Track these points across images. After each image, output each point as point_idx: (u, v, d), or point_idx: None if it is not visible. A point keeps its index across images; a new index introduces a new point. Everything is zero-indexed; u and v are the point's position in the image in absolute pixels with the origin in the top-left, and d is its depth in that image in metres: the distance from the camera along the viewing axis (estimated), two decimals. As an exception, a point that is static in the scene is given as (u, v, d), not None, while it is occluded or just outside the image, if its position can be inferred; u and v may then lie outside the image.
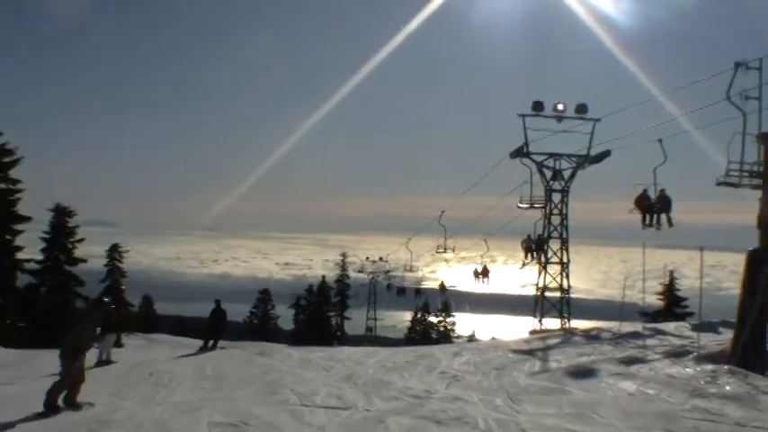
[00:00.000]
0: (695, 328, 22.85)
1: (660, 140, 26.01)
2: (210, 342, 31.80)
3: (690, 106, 26.43)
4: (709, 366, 16.93)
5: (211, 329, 32.25)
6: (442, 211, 49.42)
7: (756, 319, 18.28)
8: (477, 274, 51.38)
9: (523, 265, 40.96)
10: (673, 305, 57.03)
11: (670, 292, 57.70)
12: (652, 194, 26.97)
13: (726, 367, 16.57)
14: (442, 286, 65.72)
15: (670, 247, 68.73)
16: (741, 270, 19.06)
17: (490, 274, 51.00)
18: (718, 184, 20.28)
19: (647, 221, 27.26)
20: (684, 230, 30.14)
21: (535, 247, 40.06)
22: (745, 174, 19.91)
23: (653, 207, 26.96)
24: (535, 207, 40.36)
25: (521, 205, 40.26)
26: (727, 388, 14.79)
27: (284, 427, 13.21)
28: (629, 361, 19.16)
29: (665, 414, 13.14)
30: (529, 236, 40.27)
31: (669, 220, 27.10)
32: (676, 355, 19.30)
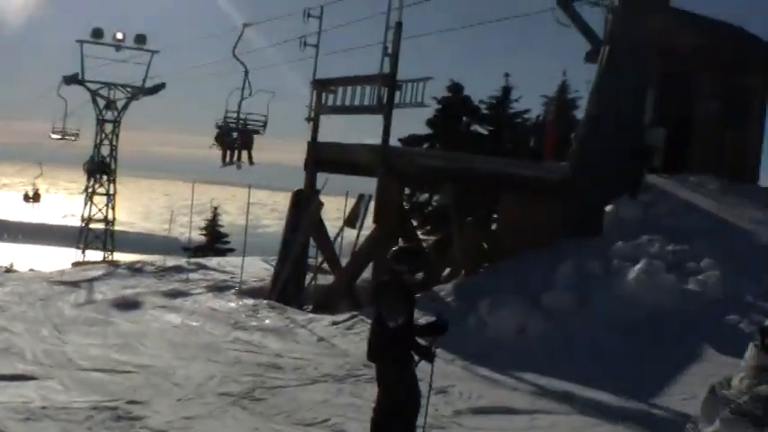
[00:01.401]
0: (235, 263, 23.89)
1: (246, 72, 25.03)
2: None
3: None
4: (251, 301, 17.95)
5: None
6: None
7: (298, 256, 19.67)
8: (27, 197, 48.53)
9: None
10: (215, 240, 58.62)
11: (213, 227, 59.26)
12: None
13: (266, 302, 17.70)
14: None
15: (214, 182, 70.53)
16: (282, 208, 20.27)
17: (41, 199, 48.50)
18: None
19: (228, 159, 25.62)
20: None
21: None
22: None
23: (234, 143, 25.45)
24: (67, 138, 39.14)
25: (53, 135, 38.76)
26: (267, 321, 15.83)
27: None
28: (174, 294, 19.59)
29: (208, 345, 13.72)
30: (92, 157, 39.05)
31: (250, 157, 25.60)
32: (219, 289, 20.14)
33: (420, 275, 7.96)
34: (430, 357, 7.48)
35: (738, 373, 4.10)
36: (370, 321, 8.44)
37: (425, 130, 32.64)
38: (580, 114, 19.40)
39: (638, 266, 13.71)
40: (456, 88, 33.04)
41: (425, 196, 31.46)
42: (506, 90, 33.65)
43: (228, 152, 25.42)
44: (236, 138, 25.27)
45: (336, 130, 21.37)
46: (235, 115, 24.97)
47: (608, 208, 16.79)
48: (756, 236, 16.35)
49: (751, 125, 22.15)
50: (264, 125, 25.25)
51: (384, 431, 7.31)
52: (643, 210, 16.85)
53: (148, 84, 38.39)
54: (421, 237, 24.34)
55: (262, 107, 27.86)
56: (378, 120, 17.62)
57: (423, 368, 7.01)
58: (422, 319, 8.06)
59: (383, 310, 7.52)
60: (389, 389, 7.38)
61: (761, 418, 3.82)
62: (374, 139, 17.88)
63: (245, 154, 25.45)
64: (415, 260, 7.64)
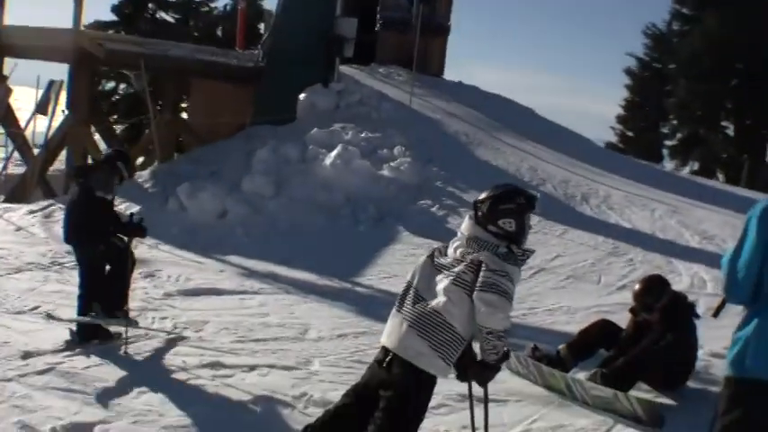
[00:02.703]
0: None
1: None
2: None
3: None
4: None
5: None
6: None
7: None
8: None
9: None
10: None
11: None
12: None
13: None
14: None
15: None
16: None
17: None
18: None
19: None
20: None
21: None
22: None
23: None
24: None
25: None
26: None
27: None
28: None
29: None
30: None
31: None
32: None
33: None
34: (141, 232, 7.54)
35: (453, 243, 4.39)
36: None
37: (111, 17, 31.07)
38: (270, 3, 19.22)
39: (333, 152, 14.06)
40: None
41: (112, 84, 30.30)
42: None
43: None
44: None
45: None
46: None
47: (301, 96, 16.97)
48: (443, 125, 17.43)
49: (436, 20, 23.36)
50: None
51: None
52: (336, 98, 17.24)
53: None
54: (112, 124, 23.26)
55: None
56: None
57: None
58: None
59: (95, 183, 7.24)
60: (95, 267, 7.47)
61: (471, 281, 4.15)
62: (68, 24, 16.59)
63: None
64: (128, 166, 7.79)
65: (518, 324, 8.75)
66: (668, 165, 29.81)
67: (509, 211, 4.30)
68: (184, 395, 6.25)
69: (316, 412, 5.68)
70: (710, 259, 10.95)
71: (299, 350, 7.62)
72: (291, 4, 17.47)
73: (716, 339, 7.14)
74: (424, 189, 14.04)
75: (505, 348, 4.28)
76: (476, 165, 15.52)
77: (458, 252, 4.29)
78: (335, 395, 6.17)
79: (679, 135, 33.12)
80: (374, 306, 9.16)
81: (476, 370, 4.40)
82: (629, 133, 34.30)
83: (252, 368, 7.05)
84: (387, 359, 4.27)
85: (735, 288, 3.85)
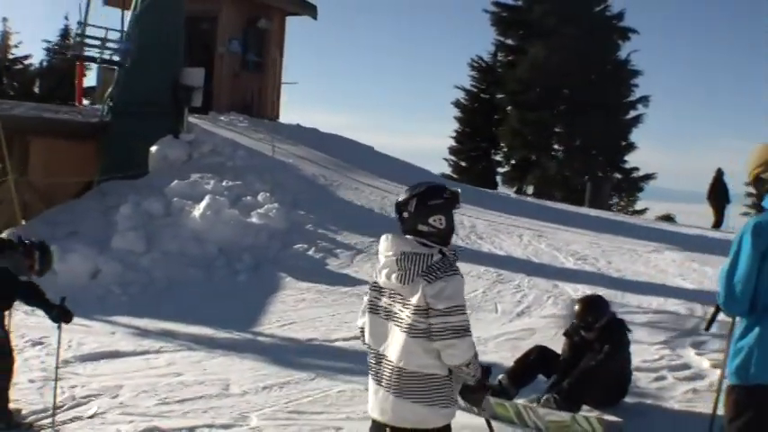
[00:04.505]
0: None
1: None
2: None
3: None
4: None
5: None
6: None
7: None
8: None
9: None
10: None
11: None
12: None
13: None
14: None
15: None
16: None
17: None
18: None
19: None
20: None
21: None
22: None
23: None
24: None
25: None
26: None
27: None
28: None
29: None
30: None
31: None
32: None
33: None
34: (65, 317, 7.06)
35: (381, 270, 4.18)
36: None
37: None
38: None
39: (202, 203, 13.76)
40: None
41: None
42: (4, 35, 31.21)
43: None
44: None
45: None
46: None
47: (152, 148, 16.55)
48: (299, 168, 17.45)
49: (269, 66, 23.46)
50: None
51: None
52: (188, 148, 16.92)
53: None
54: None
55: None
56: None
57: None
58: None
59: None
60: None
61: (426, 326, 3.99)
62: None
63: None
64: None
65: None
66: (504, 191, 30.99)
67: (438, 207, 4.07)
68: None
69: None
70: (591, 278, 11.53)
71: (230, 406, 7.40)
72: (139, 55, 17.09)
73: (635, 354, 7.56)
74: (296, 233, 13.97)
75: (482, 366, 4.17)
76: (341, 206, 15.63)
77: (392, 277, 4.03)
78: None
79: (512, 161, 34.58)
80: (285, 355, 9.11)
81: (465, 396, 4.33)
82: (463, 163, 35.44)
83: (191, 430, 6.81)
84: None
85: (733, 302, 4.10)
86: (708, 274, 11.66)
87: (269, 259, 13.07)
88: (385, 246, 4.15)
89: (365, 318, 4.30)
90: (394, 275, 4.05)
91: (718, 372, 7.78)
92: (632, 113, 33.28)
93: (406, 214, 4.13)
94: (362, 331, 4.35)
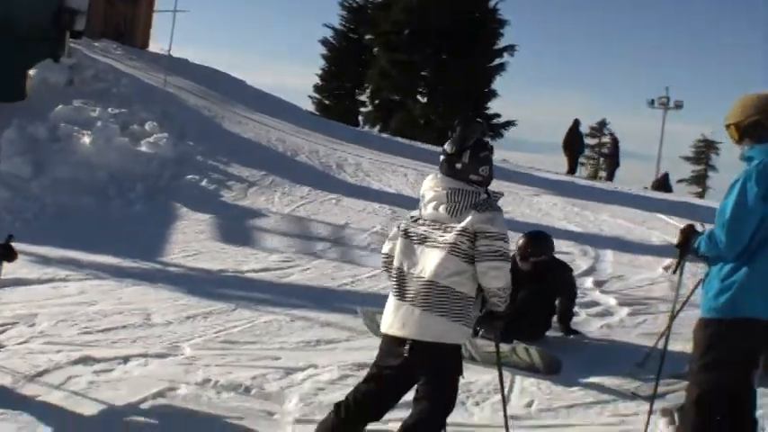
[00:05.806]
0: None
1: None
2: None
3: None
4: None
5: None
6: None
7: None
8: None
9: None
10: None
11: None
12: None
13: None
14: None
15: None
16: None
17: None
18: None
19: None
20: None
21: None
22: None
23: None
24: None
25: None
26: None
27: None
28: None
29: None
30: None
31: None
32: None
33: None
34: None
35: (428, 204, 4.54)
36: None
37: None
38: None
39: (93, 130, 13.52)
40: None
41: None
42: None
43: None
44: None
45: None
46: None
47: (30, 72, 15.99)
48: (182, 99, 17.27)
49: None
50: None
51: None
52: (68, 73, 16.41)
53: None
54: None
55: None
56: None
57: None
58: None
59: None
60: None
61: (468, 248, 4.39)
62: None
63: None
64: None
65: (347, 291, 9.30)
66: (365, 129, 31.44)
67: (486, 158, 4.53)
68: (93, 394, 5.96)
69: (229, 397, 5.88)
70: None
71: (157, 336, 7.38)
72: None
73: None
74: (186, 164, 13.94)
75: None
76: (229, 138, 15.65)
77: (440, 209, 4.39)
78: (239, 377, 6.35)
79: (376, 101, 34.97)
80: (200, 285, 9.15)
81: (486, 322, 4.70)
82: (327, 102, 35.62)
83: (126, 360, 6.71)
84: (406, 347, 4.39)
85: (738, 244, 4.29)
86: (589, 218, 12.42)
87: (161, 189, 13.02)
88: (434, 182, 4.55)
89: (392, 244, 4.67)
90: (442, 207, 4.45)
91: (626, 309, 8.60)
92: (497, 61, 34.28)
93: (459, 165, 4.50)
94: (386, 257, 4.71)
